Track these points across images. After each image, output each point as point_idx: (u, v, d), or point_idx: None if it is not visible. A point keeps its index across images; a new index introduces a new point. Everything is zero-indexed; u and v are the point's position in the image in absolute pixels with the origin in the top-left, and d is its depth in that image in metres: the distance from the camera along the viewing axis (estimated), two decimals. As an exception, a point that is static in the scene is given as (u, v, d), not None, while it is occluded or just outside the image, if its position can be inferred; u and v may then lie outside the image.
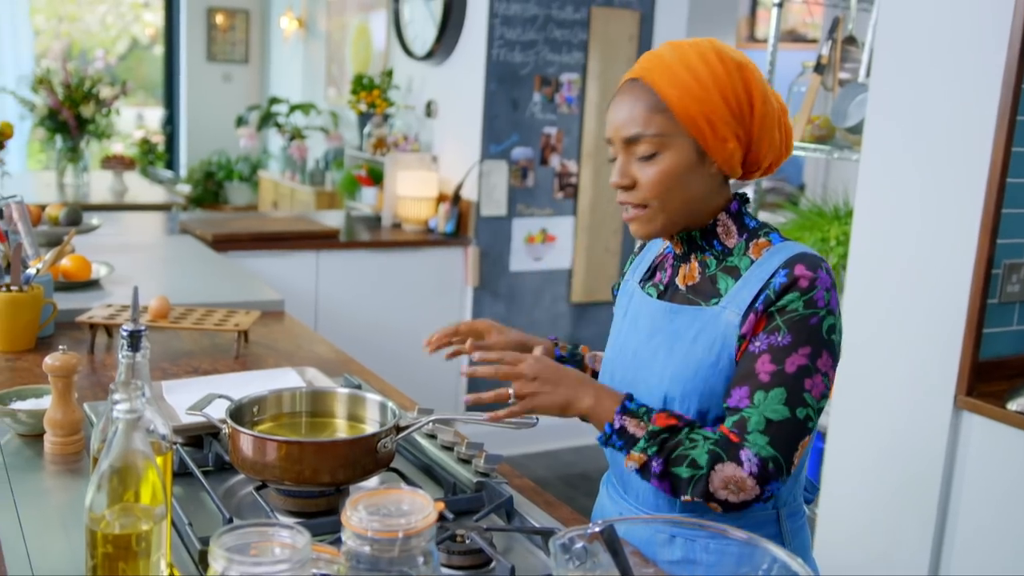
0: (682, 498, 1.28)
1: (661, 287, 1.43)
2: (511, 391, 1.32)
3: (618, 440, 1.29)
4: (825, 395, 1.28)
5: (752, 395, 1.25)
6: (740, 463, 1.23)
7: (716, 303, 1.33)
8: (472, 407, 1.38)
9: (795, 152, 2.85)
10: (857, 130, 2.60)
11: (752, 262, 1.34)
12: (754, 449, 1.23)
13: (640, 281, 1.49)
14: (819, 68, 2.78)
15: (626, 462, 1.29)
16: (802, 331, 1.26)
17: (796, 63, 2.99)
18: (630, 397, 1.31)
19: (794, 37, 5.98)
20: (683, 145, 1.30)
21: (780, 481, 1.25)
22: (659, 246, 1.52)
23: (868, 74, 2.61)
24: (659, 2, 4.39)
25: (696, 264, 1.39)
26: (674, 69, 1.29)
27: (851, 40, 2.79)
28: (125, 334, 1.11)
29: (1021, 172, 2.20)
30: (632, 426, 1.28)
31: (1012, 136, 2.14)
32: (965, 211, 2.21)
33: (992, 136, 2.15)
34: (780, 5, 2.93)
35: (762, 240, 1.36)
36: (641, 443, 1.27)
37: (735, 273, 1.34)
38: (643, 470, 1.27)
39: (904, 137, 2.36)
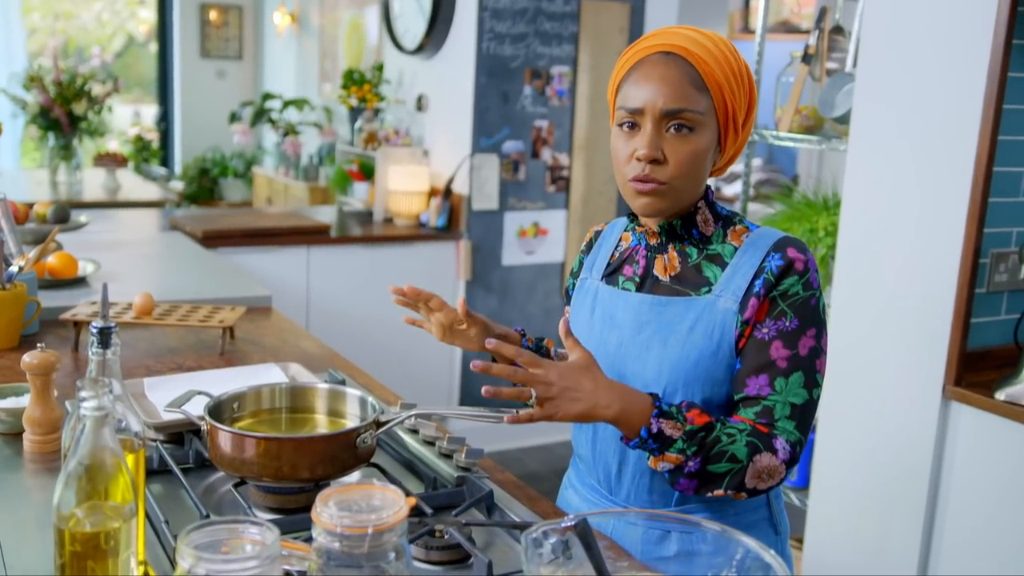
0: (710, 493, 1.27)
1: (637, 280, 1.41)
2: (533, 394, 1.26)
3: (653, 443, 1.24)
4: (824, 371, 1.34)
5: (772, 382, 1.28)
6: (775, 451, 1.26)
7: (708, 292, 1.33)
8: (489, 400, 1.33)
9: (784, 143, 2.84)
10: (845, 120, 2.59)
11: (735, 249, 1.35)
12: (784, 436, 1.27)
13: (602, 277, 1.47)
14: (806, 58, 2.77)
15: (656, 462, 1.26)
16: (807, 313, 1.30)
17: (787, 54, 2.97)
18: (656, 397, 1.27)
19: (787, 28, 5.98)
20: (712, 128, 1.32)
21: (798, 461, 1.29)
22: (612, 241, 1.51)
23: (855, 64, 2.60)
24: (650, -6, 4.38)
25: (675, 254, 1.39)
26: (710, 51, 1.30)
27: (838, 30, 2.78)
28: (95, 331, 1.11)
29: (1007, 160, 2.19)
30: (668, 428, 1.23)
31: (998, 124, 2.13)
32: (952, 200, 2.21)
33: (978, 124, 2.14)
34: (768, -5, 2.91)
35: (739, 227, 1.38)
36: (679, 443, 1.23)
37: (719, 260, 1.35)
38: (675, 470, 1.25)
39: (891, 127, 2.36)
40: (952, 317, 2.22)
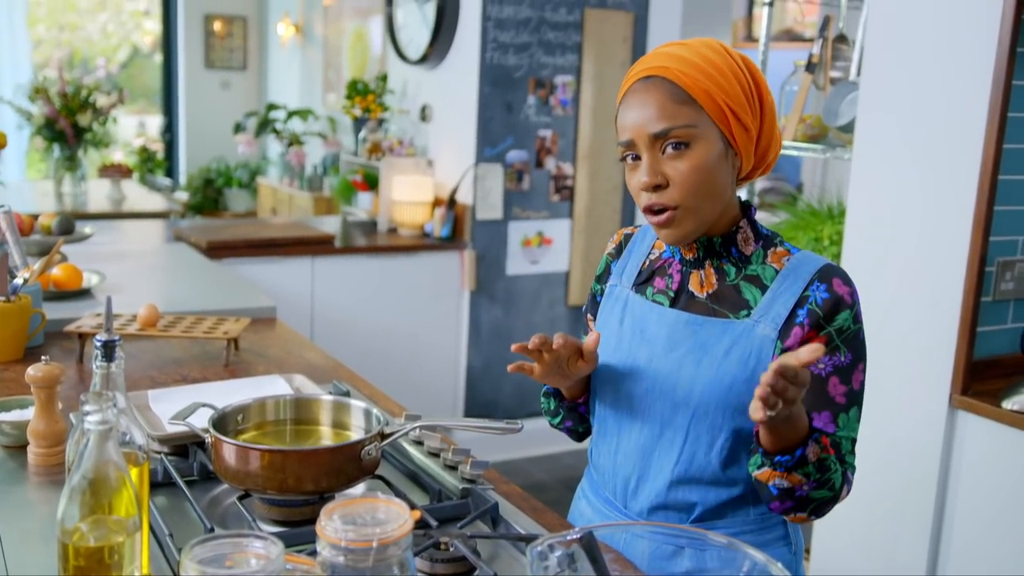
0: (792, 516, 1.27)
1: (671, 294, 1.38)
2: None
3: (792, 462, 1.20)
4: None
5: (836, 419, 1.28)
6: (847, 484, 1.28)
7: (747, 315, 1.30)
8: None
9: (788, 152, 2.84)
10: (849, 129, 2.59)
11: (776, 272, 1.32)
12: (851, 470, 1.29)
13: (633, 286, 1.43)
14: (810, 67, 2.77)
15: (769, 476, 1.23)
16: (857, 347, 1.30)
17: (791, 62, 2.97)
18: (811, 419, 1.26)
19: (790, 36, 5.97)
20: (711, 135, 1.27)
21: None
22: (644, 248, 1.46)
23: (859, 72, 2.60)
24: (653, 3, 4.38)
25: (712, 271, 1.35)
26: (690, 60, 1.27)
27: (842, 38, 2.78)
28: (99, 344, 1.11)
29: (1013, 169, 2.19)
30: (812, 451, 1.21)
31: (1003, 132, 2.13)
32: (958, 209, 2.20)
33: (983, 133, 2.14)
34: (771, 4, 2.92)
35: (780, 249, 1.35)
36: (810, 467, 1.21)
37: (758, 283, 1.32)
38: (786, 491, 1.23)
39: (896, 135, 2.35)
40: (958, 326, 2.21)
